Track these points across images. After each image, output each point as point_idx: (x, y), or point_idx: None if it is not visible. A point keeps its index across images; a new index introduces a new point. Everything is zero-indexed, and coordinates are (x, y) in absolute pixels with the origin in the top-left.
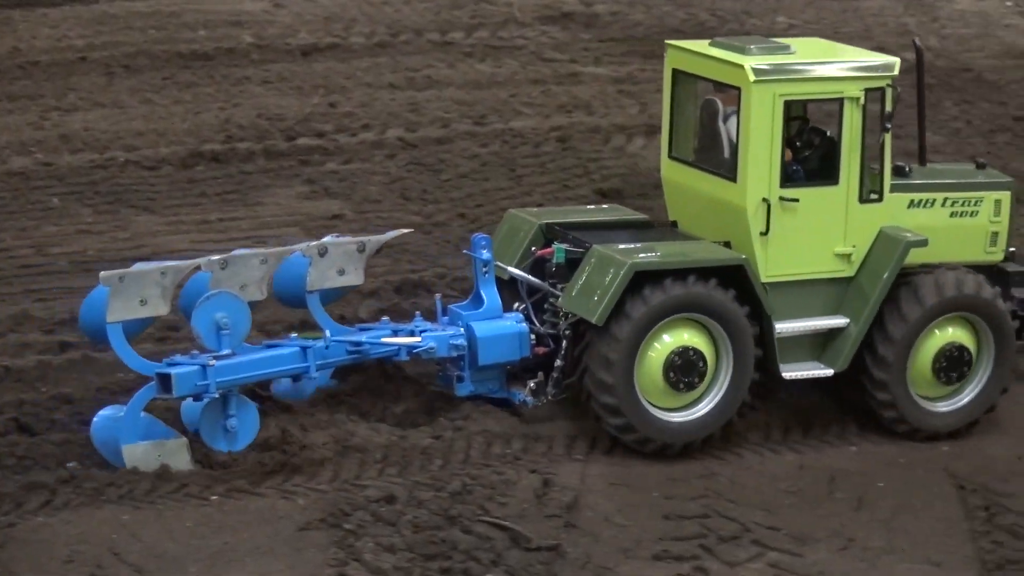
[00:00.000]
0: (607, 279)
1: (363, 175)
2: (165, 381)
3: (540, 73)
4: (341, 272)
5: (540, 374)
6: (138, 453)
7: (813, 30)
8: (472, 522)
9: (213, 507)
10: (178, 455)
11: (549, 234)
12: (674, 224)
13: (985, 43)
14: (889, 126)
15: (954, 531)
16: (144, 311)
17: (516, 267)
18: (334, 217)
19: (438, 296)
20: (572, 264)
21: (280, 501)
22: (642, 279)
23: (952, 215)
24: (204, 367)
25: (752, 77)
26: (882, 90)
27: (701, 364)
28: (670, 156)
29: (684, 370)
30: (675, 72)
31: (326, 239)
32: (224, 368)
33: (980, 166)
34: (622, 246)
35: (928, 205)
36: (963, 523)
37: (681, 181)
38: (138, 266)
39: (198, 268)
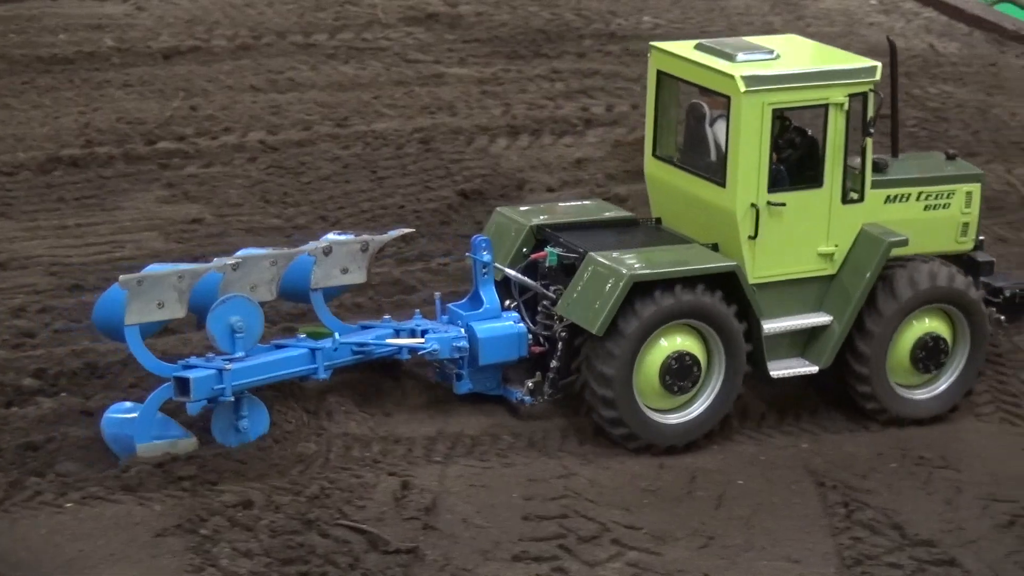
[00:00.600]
0: (606, 289)
1: (223, 179)
2: (183, 385)
3: (404, 75)
4: (344, 271)
5: (538, 373)
6: (152, 451)
7: (678, 29)
8: (330, 526)
9: (68, 514)
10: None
11: (540, 235)
12: (658, 221)
13: (850, 41)
14: (872, 130)
15: (813, 527)
16: (161, 314)
17: (507, 267)
18: (193, 221)
19: (437, 295)
20: (564, 266)
21: (136, 508)
22: (639, 288)
23: (926, 208)
24: (220, 371)
25: (743, 87)
26: (865, 95)
27: (695, 368)
28: (654, 155)
29: (679, 374)
30: (660, 74)
31: (329, 236)
32: (239, 372)
33: (951, 157)
34: (616, 254)
35: (904, 200)
36: (822, 519)
37: (665, 179)
38: (154, 268)
39: (214, 270)
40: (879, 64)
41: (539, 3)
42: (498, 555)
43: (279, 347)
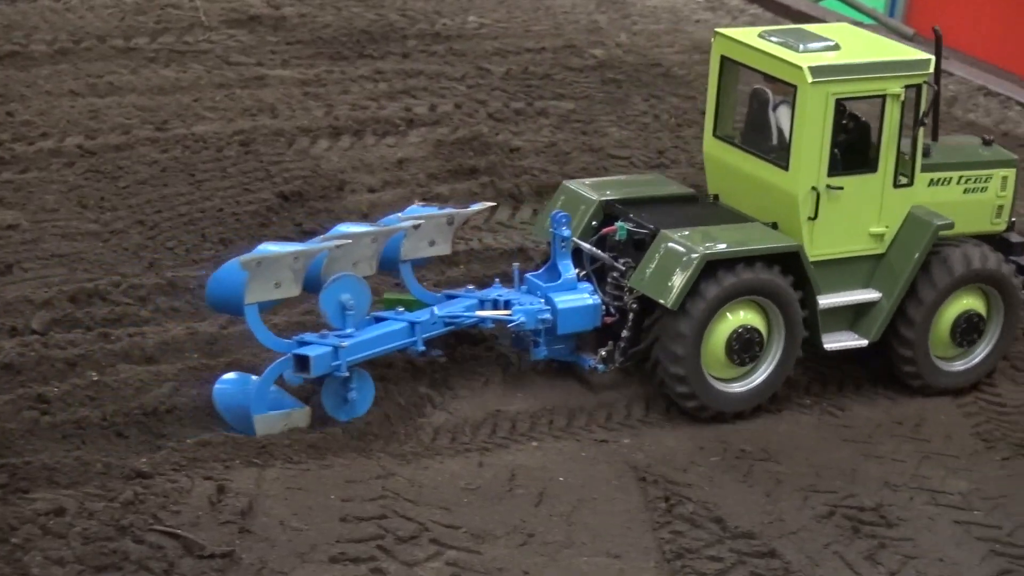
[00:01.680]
0: (680, 266)
1: (40, 184)
2: (303, 362)
3: (225, 77)
4: (432, 243)
5: (610, 343)
6: (268, 422)
7: (503, 29)
8: (144, 532)
9: None
10: (301, 424)
11: (608, 210)
12: (715, 197)
13: (675, 39)
14: (926, 120)
15: (634, 523)
16: (278, 293)
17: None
18: (8, 228)
19: (515, 265)
20: (632, 240)
21: None
22: (711, 266)
23: (965, 191)
24: (336, 348)
25: (810, 78)
26: (919, 86)
27: (758, 340)
28: (714, 134)
29: (744, 347)
30: (723, 59)
31: (413, 207)
32: (351, 348)
33: (987, 143)
34: (687, 232)
35: (946, 183)
36: (643, 514)
37: (724, 159)
38: (266, 248)
39: (326, 250)
40: (932, 57)
41: (364, 4)
42: (315, 557)
43: (378, 320)
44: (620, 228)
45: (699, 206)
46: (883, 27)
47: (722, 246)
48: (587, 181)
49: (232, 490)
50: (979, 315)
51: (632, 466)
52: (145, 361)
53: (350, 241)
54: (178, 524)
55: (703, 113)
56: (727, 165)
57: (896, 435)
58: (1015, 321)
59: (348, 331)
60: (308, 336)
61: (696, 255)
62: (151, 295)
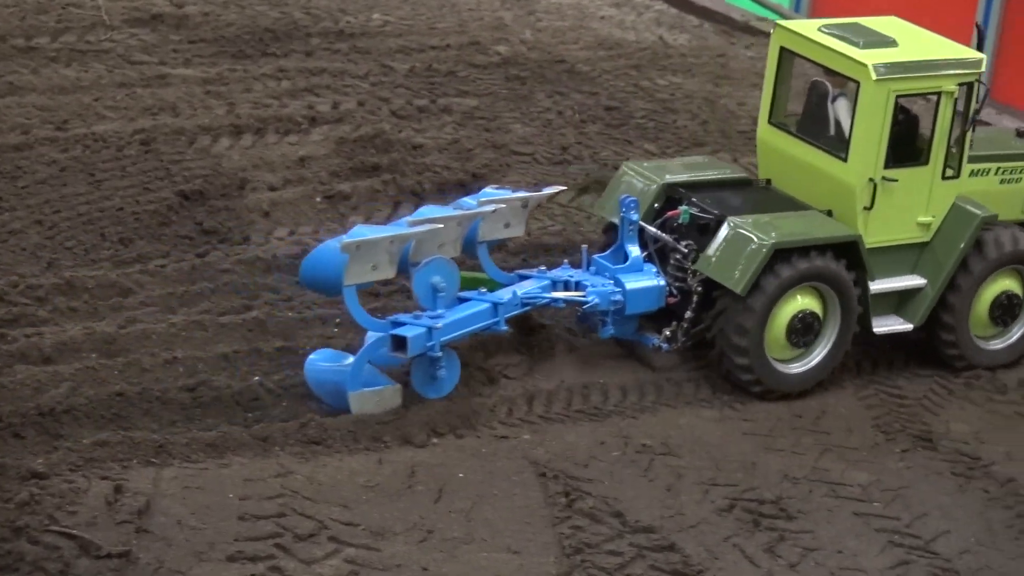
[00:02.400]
0: (748, 253)
1: None
2: (400, 342)
3: (127, 76)
4: (507, 225)
5: (673, 323)
6: (362, 399)
7: (408, 26)
8: (40, 532)
9: None
10: (392, 400)
11: (670, 193)
12: (768, 182)
13: (580, 35)
14: (978, 116)
15: (534, 518)
16: (374, 275)
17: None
18: None
19: (584, 247)
20: (695, 224)
21: None
22: (777, 254)
23: (1002, 181)
24: (430, 329)
25: (874, 76)
26: (971, 84)
27: (816, 324)
28: (769, 121)
29: (803, 330)
30: (782, 50)
31: (487, 190)
32: (444, 328)
33: (1020, 134)
34: (752, 219)
35: (984, 174)
36: (543, 510)
37: (779, 145)
38: (361, 232)
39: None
40: (984, 56)
41: (267, 2)
42: (213, 556)
43: (461, 301)
44: (684, 212)
45: (754, 191)
46: None
47: (789, 235)
48: (646, 163)
49: (129, 490)
50: (1016, 295)
51: (532, 462)
52: (42, 361)
53: (442, 226)
54: (74, 524)
55: (607, 109)
56: (782, 152)
57: (796, 428)
58: None
59: (439, 312)
60: (402, 317)
61: (765, 244)
62: (49, 295)
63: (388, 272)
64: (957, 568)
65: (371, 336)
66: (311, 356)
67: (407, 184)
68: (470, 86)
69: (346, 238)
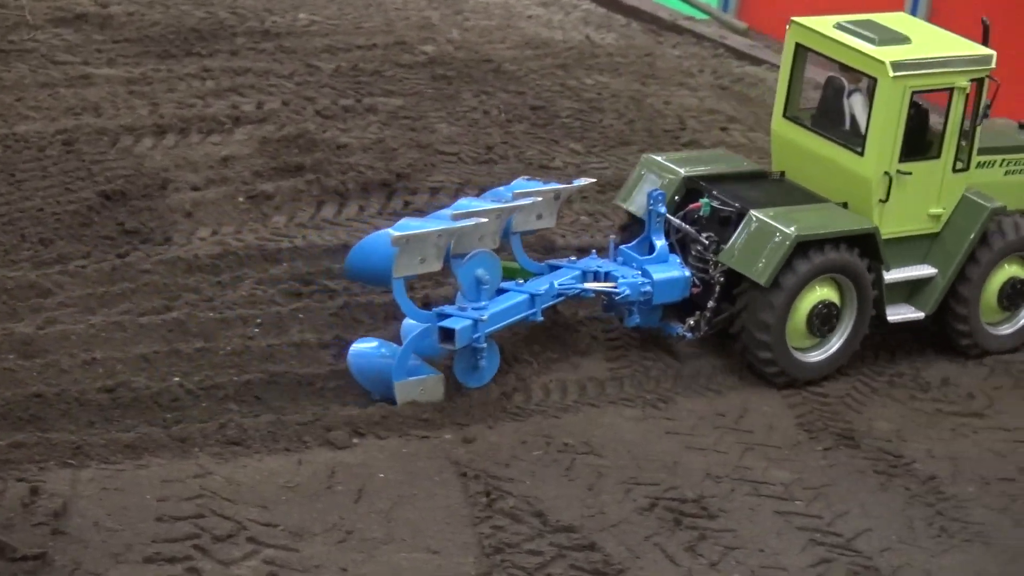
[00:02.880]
0: (772, 246)
1: None
2: (448, 335)
3: (50, 76)
4: (539, 217)
5: (697, 312)
6: (407, 388)
7: (334, 26)
8: None
9: None
10: (436, 389)
11: (690, 186)
12: (782, 174)
13: (507, 34)
14: (988, 113)
15: (454, 518)
16: (422, 268)
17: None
18: None
19: (612, 237)
20: (716, 216)
21: None
22: (799, 246)
23: (1006, 173)
24: (476, 322)
25: (891, 72)
26: (982, 79)
27: (835, 314)
28: (784, 115)
29: (823, 320)
30: (798, 46)
31: (520, 180)
32: (488, 320)
33: (1023, 127)
34: (774, 212)
35: (990, 166)
36: (464, 509)
37: (794, 139)
38: (409, 224)
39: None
40: (994, 53)
41: (193, 2)
42: (130, 558)
43: (499, 292)
44: (705, 204)
45: (770, 183)
46: (717, 23)
47: (811, 227)
48: (664, 156)
49: (46, 491)
50: (1021, 280)
51: (453, 462)
52: None
53: (487, 219)
54: None
55: (533, 108)
56: (796, 145)
57: (719, 427)
58: None
59: (483, 304)
60: (447, 309)
61: (789, 236)
62: None
63: (435, 265)
64: (878, 566)
65: (416, 327)
66: (354, 345)
67: (331, 184)
68: (396, 86)
69: (394, 231)
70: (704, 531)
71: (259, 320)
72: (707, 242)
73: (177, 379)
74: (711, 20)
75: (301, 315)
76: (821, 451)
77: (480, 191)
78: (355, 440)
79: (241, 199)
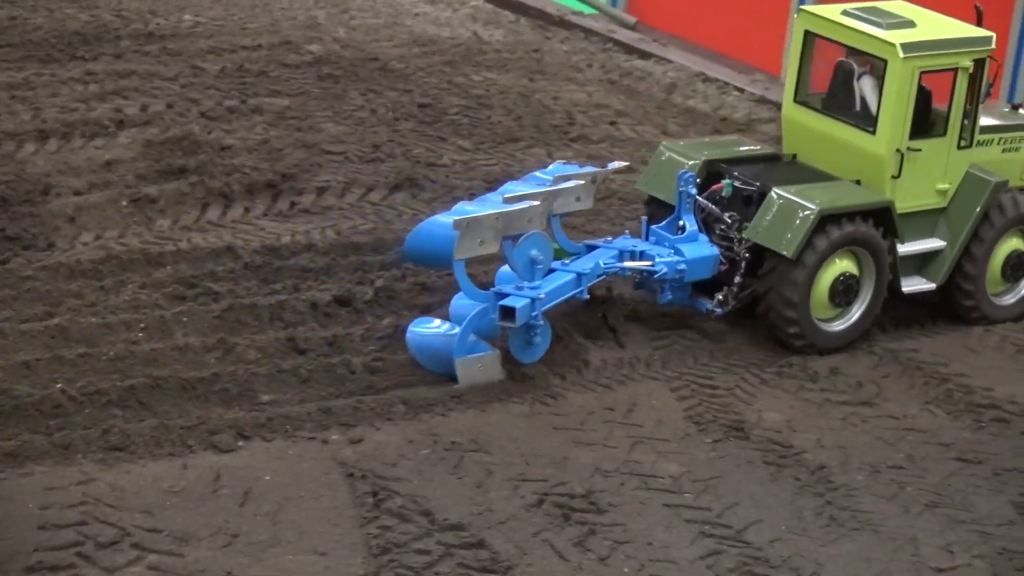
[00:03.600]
0: (797, 221)
1: None
2: (509, 313)
3: None
4: (578, 199)
5: (724, 288)
6: (466, 365)
7: (219, 27)
8: None
9: None
10: (493, 366)
11: (711, 169)
12: (794, 157)
13: (394, 32)
14: (991, 91)
15: (342, 519)
16: (481, 249)
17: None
18: None
19: (644, 218)
20: (738, 196)
21: None
22: (822, 220)
23: (1004, 151)
24: (534, 300)
25: (901, 54)
26: (983, 60)
27: (855, 285)
28: (795, 100)
29: (845, 291)
30: (807, 33)
31: (556, 164)
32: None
33: (1015, 107)
34: (795, 189)
35: (989, 144)
36: (351, 510)
37: (805, 122)
38: (463, 209)
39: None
40: (994, 34)
41: (77, 5)
42: (12, 568)
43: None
44: (727, 185)
45: (785, 164)
46: (607, 17)
47: (833, 202)
48: (681, 143)
49: None
50: (1022, 253)
51: (340, 462)
52: None
53: (539, 202)
54: None
55: (420, 106)
56: (808, 128)
57: (608, 421)
58: None
59: (537, 283)
60: (505, 288)
61: (813, 211)
62: None
63: (492, 247)
64: (767, 556)
65: (474, 306)
66: (412, 325)
67: (215, 186)
68: (282, 86)
69: (454, 216)
70: (593, 526)
71: (143, 324)
72: (730, 221)
73: (59, 385)
74: (599, 15)
75: (185, 318)
76: (710, 443)
77: (367, 190)
78: (240, 443)
79: (124, 203)
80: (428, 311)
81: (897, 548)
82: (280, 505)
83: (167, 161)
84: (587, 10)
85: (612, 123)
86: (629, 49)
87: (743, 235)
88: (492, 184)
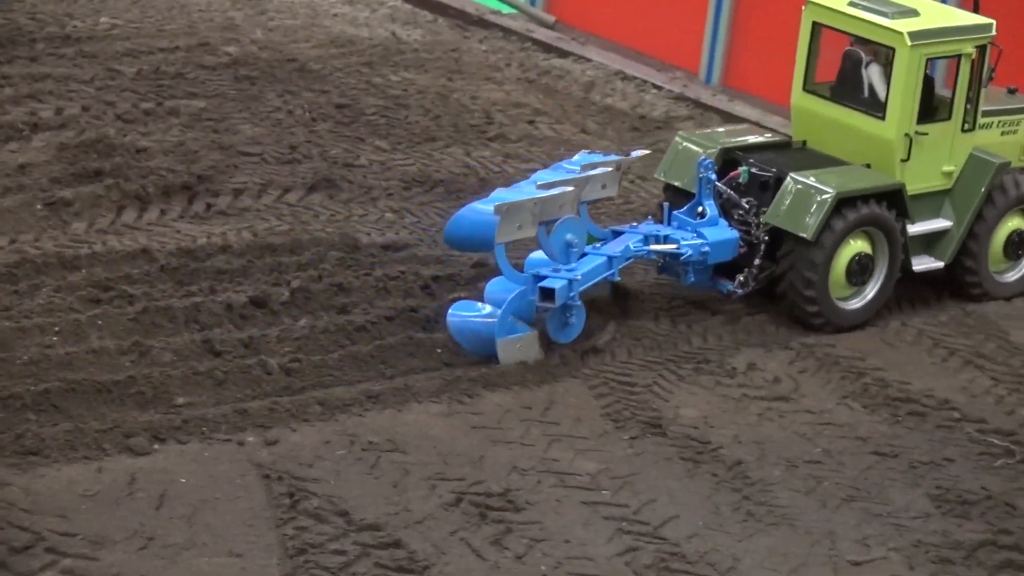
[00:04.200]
0: (816, 204)
1: None
2: (548, 294)
3: None
4: (603, 186)
5: (745, 270)
6: (507, 344)
7: (136, 29)
8: None
9: None
10: (531, 346)
11: (726, 156)
12: (803, 143)
13: (312, 33)
14: (993, 75)
15: (257, 520)
16: (519, 233)
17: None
18: None
19: (665, 204)
20: (755, 182)
21: None
22: (839, 203)
23: (1003, 133)
24: (571, 282)
25: (909, 42)
26: (985, 46)
27: (870, 265)
28: (804, 88)
29: (860, 270)
30: (815, 24)
31: (582, 153)
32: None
33: (1011, 91)
34: (811, 173)
35: (989, 127)
36: (267, 512)
37: (814, 109)
38: (502, 195)
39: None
40: (993, 21)
41: None
42: None
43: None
44: (744, 172)
45: (796, 151)
46: (526, 16)
47: (848, 185)
48: (697, 134)
49: None
50: (1023, 231)
51: (256, 464)
52: None
53: (574, 188)
54: None
55: (338, 107)
56: (817, 115)
57: (525, 419)
58: None
59: (572, 266)
60: (543, 270)
61: (831, 194)
62: None
63: (530, 231)
64: (684, 552)
65: (512, 288)
66: (453, 308)
67: (130, 188)
68: (199, 88)
69: (493, 202)
70: (510, 524)
71: (57, 328)
72: (748, 206)
73: None
74: (518, 14)
75: (100, 321)
76: (628, 440)
77: (284, 191)
78: (155, 446)
79: (39, 206)
80: (345, 311)
81: (814, 542)
82: (196, 508)
83: (82, 164)
84: (506, 9)
85: (530, 122)
86: (548, 48)
87: (762, 219)
88: (409, 184)
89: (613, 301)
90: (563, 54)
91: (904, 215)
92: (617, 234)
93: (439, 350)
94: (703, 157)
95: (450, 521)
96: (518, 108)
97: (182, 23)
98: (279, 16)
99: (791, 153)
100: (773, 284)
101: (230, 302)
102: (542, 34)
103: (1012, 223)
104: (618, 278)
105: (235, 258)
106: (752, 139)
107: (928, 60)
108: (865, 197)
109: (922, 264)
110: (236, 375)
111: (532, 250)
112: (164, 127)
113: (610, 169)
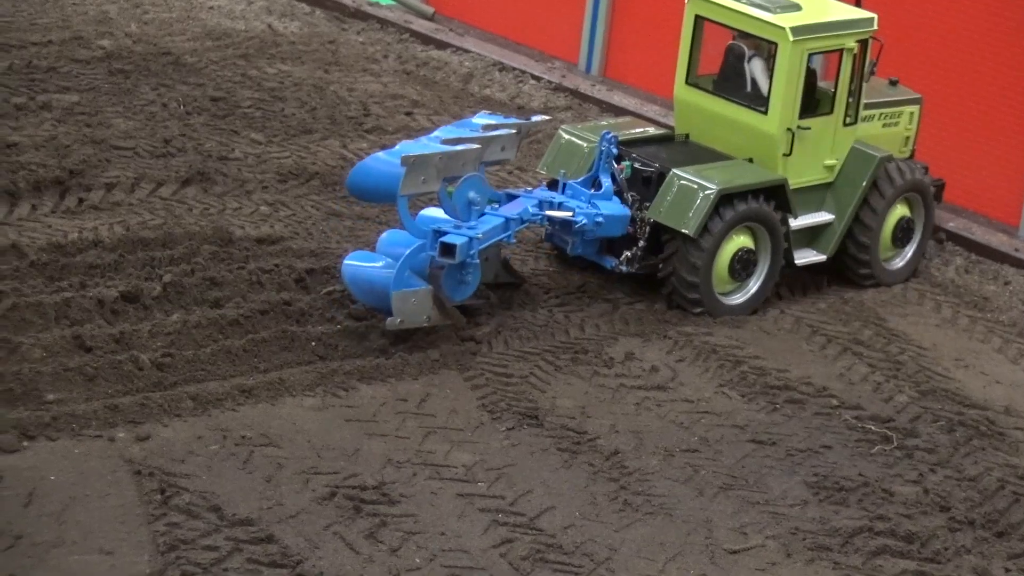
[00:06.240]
0: (698, 200)
1: None
2: (449, 249)
3: None
4: (503, 148)
5: (633, 248)
6: (402, 298)
7: (8, 23)
8: None
9: None
10: (425, 301)
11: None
12: (686, 137)
13: (187, 26)
14: (875, 70)
15: (128, 517)
16: (423, 187)
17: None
18: None
19: (563, 172)
20: (637, 176)
21: None
22: (721, 199)
23: (884, 125)
24: (471, 239)
25: (791, 37)
26: (866, 40)
27: (753, 259)
28: (686, 82)
29: (743, 266)
30: (697, 18)
31: (482, 114)
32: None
33: (893, 83)
34: (694, 170)
35: (871, 120)
36: (138, 508)
37: (697, 103)
38: (408, 147)
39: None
40: (875, 15)
41: None
42: None
43: (481, 216)
44: (627, 166)
45: (679, 145)
46: (404, 7)
47: (731, 181)
48: (579, 126)
49: None
50: (910, 219)
51: (127, 460)
52: None
53: (479, 145)
54: None
55: (213, 100)
56: (700, 109)
57: (401, 412)
58: (932, 219)
59: (473, 224)
60: (444, 226)
61: (713, 191)
62: None
63: (434, 185)
64: (560, 543)
65: (412, 242)
66: (348, 257)
67: (1, 184)
68: (71, 81)
69: (398, 154)
70: (385, 517)
71: None
72: (631, 200)
73: None
74: (397, 6)
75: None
76: (504, 432)
77: (157, 185)
78: (24, 443)
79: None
80: (218, 306)
81: (691, 531)
82: (65, 505)
83: None
84: (384, 1)
85: (408, 113)
86: (426, 40)
87: (645, 215)
88: (285, 177)
89: (494, 287)
90: (441, 46)
91: (787, 209)
92: (511, 197)
93: (313, 343)
94: (606, 131)
95: (324, 515)
96: (395, 100)
97: (55, 16)
98: (154, 9)
99: (674, 147)
100: (654, 271)
101: (101, 297)
102: (421, 26)
103: (899, 211)
104: (513, 241)
105: (107, 253)
106: (636, 132)
107: (810, 55)
108: (747, 193)
109: (805, 258)
110: (107, 371)
111: (425, 206)
112: (36, 122)
113: (512, 132)
